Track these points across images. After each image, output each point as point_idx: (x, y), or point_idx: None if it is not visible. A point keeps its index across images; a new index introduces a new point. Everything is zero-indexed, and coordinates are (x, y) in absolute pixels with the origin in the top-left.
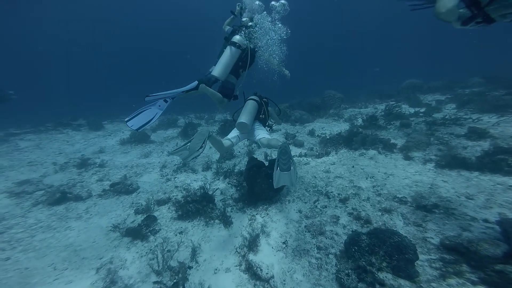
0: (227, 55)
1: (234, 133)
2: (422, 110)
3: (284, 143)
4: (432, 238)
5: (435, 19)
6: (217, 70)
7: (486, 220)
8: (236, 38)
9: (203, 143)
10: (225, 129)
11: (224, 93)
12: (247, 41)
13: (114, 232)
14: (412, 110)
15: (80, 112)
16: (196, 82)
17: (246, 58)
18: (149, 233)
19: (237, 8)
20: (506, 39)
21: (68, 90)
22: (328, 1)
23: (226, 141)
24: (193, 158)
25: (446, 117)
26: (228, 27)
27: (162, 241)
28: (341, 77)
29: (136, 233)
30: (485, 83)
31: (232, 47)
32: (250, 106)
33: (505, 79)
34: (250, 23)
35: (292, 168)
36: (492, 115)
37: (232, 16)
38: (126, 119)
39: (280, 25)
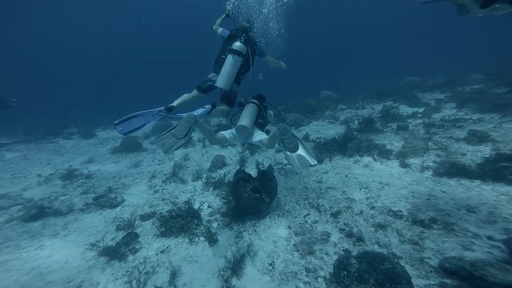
0: (230, 64)
1: (230, 131)
2: (421, 110)
3: (282, 124)
4: (430, 258)
5: (429, 11)
6: (222, 81)
7: (490, 238)
8: (237, 45)
9: (189, 130)
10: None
11: (227, 102)
12: (247, 46)
13: (91, 251)
14: (410, 111)
15: (73, 119)
16: (209, 107)
17: (247, 64)
18: (128, 252)
19: (227, 7)
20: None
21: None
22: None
23: (219, 134)
24: (176, 149)
25: (445, 118)
26: (221, 29)
27: (140, 262)
28: (338, 75)
29: (114, 252)
30: (486, 79)
31: (235, 56)
32: (250, 109)
33: (507, 75)
34: (247, 25)
35: (300, 146)
36: (493, 114)
37: (223, 16)
38: (115, 122)
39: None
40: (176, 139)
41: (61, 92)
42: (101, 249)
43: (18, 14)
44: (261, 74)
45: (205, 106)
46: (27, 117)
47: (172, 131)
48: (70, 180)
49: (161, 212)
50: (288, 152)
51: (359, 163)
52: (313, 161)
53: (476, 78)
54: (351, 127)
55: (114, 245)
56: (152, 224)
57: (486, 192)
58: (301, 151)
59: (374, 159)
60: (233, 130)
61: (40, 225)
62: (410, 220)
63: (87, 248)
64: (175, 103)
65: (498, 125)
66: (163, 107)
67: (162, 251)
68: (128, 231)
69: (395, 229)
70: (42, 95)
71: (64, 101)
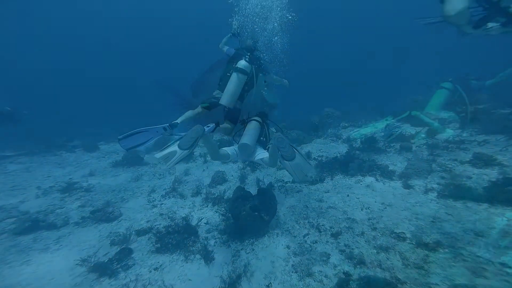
0: (234, 82)
1: (233, 148)
2: (424, 130)
3: (278, 133)
4: (438, 285)
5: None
6: (226, 99)
7: (503, 264)
8: (242, 63)
9: (195, 142)
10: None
11: (231, 119)
12: (252, 65)
13: (81, 267)
14: (413, 131)
15: (78, 131)
16: (213, 125)
17: (251, 81)
18: (120, 269)
19: (233, 26)
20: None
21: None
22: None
23: (222, 150)
24: (178, 161)
25: (449, 139)
26: (226, 47)
27: (131, 279)
28: (342, 91)
29: (105, 269)
30: (490, 98)
31: (239, 74)
32: (253, 127)
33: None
34: (251, 44)
35: (297, 154)
36: (499, 136)
37: (229, 35)
38: (119, 137)
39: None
40: (181, 150)
41: (69, 103)
42: (92, 264)
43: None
44: (265, 89)
45: (208, 125)
46: (35, 129)
47: (178, 142)
48: (69, 193)
49: (158, 228)
50: (286, 161)
51: (361, 183)
52: (311, 169)
53: (479, 97)
54: (354, 146)
55: (106, 261)
56: (148, 239)
57: (495, 216)
58: (298, 159)
59: (377, 180)
60: (235, 147)
61: (31, 239)
62: (414, 243)
63: (77, 263)
64: (179, 120)
65: (504, 148)
66: (167, 124)
67: (155, 268)
68: (123, 247)
69: (398, 251)
70: (52, 106)
71: (72, 113)
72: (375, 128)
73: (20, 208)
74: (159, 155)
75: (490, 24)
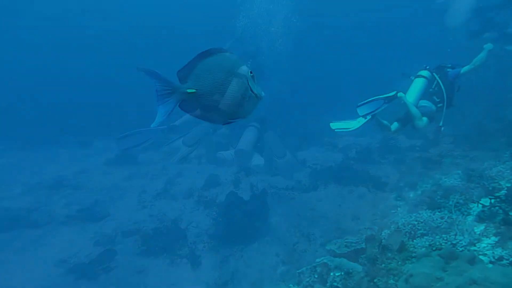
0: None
1: (230, 152)
2: (419, 143)
3: (270, 132)
4: None
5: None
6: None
7: (486, 279)
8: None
9: (199, 139)
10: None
11: (230, 124)
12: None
13: (58, 268)
14: (408, 143)
15: (74, 126)
16: (212, 130)
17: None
18: (101, 271)
19: (237, 31)
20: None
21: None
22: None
23: (219, 154)
24: (180, 158)
25: (442, 153)
26: None
27: (111, 282)
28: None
29: (85, 271)
30: (483, 111)
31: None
32: (250, 133)
33: (501, 106)
34: (254, 50)
35: (288, 152)
36: (490, 152)
37: (233, 39)
38: (118, 136)
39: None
40: (186, 147)
41: (66, 98)
42: (71, 266)
43: None
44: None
45: None
46: (28, 122)
47: (182, 138)
48: (56, 190)
49: (145, 230)
50: (276, 159)
51: (353, 193)
52: (300, 168)
53: (474, 111)
54: (349, 155)
55: (87, 262)
56: (134, 241)
57: (479, 230)
58: (288, 158)
59: (369, 190)
60: (232, 152)
61: (7, 238)
62: (401, 256)
63: (54, 264)
64: (177, 123)
65: (493, 165)
66: (166, 126)
67: (139, 272)
68: (107, 248)
69: (385, 263)
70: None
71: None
72: (358, 122)
73: (2, 204)
74: (164, 150)
75: (485, 35)
